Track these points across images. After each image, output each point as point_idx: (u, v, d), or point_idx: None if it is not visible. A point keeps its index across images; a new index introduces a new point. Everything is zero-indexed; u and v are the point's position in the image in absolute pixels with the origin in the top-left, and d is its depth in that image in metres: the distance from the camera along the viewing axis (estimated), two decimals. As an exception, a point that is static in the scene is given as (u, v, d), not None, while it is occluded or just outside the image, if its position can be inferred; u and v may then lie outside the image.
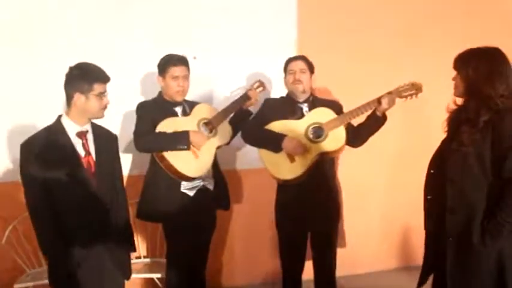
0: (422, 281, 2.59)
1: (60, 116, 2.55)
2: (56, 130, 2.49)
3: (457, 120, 2.39)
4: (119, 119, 3.63)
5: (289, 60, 3.22)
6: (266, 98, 3.41)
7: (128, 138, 3.65)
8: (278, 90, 3.81)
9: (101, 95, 2.48)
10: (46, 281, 3.36)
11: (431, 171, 2.50)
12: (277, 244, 3.47)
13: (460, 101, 2.45)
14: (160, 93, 3.18)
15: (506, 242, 2.21)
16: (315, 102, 3.19)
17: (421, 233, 4.16)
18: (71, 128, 2.50)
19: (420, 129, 4.26)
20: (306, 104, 3.17)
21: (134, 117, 3.54)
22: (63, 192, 2.43)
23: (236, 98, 3.42)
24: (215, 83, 3.82)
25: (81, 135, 2.51)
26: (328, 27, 4.11)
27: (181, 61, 3.07)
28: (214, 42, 3.86)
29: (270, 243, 4.06)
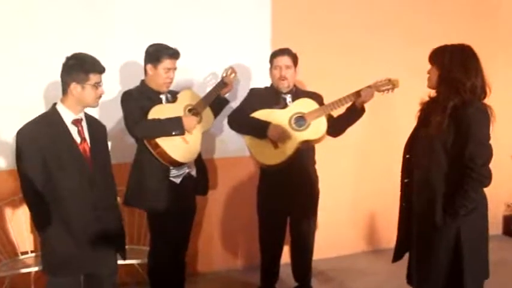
0: (396, 258, 2.79)
1: (55, 104, 2.59)
2: (52, 117, 2.54)
3: (427, 110, 2.60)
4: (95, 109, 3.61)
5: (275, 54, 3.33)
6: (251, 87, 3.54)
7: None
8: (255, 78, 3.97)
9: (97, 85, 2.54)
10: (21, 271, 3.40)
11: (407, 156, 2.70)
12: (253, 230, 3.60)
13: (432, 95, 2.64)
14: (143, 81, 3.19)
15: (463, 222, 2.46)
16: (298, 93, 3.36)
17: (385, 218, 4.42)
18: (67, 116, 2.55)
19: (386, 124, 4.47)
20: (289, 95, 3.32)
21: (112, 106, 3.57)
22: (62, 177, 2.48)
23: (211, 84, 3.54)
24: (191, 71, 3.84)
25: (77, 122, 2.57)
26: (302, 17, 4.22)
27: (176, 55, 3.12)
28: (190, 33, 3.89)
29: (246, 230, 4.18)
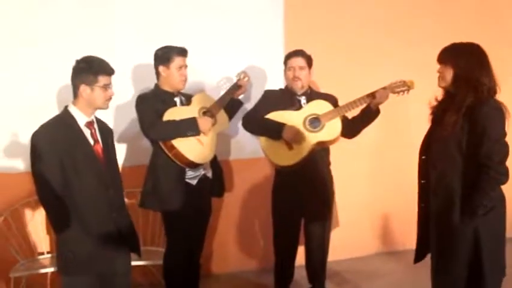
0: (417, 259, 2.77)
1: (67, 106, 2.61)
2: (66, 120, 2.56)
3: (440, 111, 2.59)
4: (110, 112, 3.62)
5: (289, 56, 3.34)
6: (266, 89, 3.55)
7: (120, 130, 3.69)
8: (268, 80, 3.98)
9: (106, 86, 2.56)
10: (40, 271, 3.44)
11: (423, 157, 2.69)
12: (268, 232, 3.60)
13: (440, 96, 2.65)
14: (156, 85, 3.22)
15: (481, 222, 2.45)
16: (312, 95, 3.36)
17: (400, 219, 4.39)
18: (80, 118, 2.57)
19: (400, 124, 4.43)
20: (304, 97, 3.33)
21: (126, 109, 3.60)
22: (78, 179, 2.50)
23: (225, 88, 3.59)
24: (202, 74, 3.85)
25: (90, 125, 2.60)
26: (314, 19, 4.20)
27: (185, 52, 3.17)
28: (200, 36, 3.90)
29: (261, 231, 4.19)
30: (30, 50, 3.55)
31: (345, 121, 3.29)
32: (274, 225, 3.47)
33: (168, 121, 3.03)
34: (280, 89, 3.45)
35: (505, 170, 2.43)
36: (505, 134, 2.44)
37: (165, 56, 3.13)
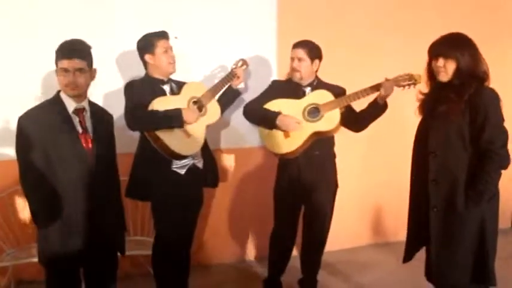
0: (408, 256, 2.74)
1: (59, 91, 2.51)
2: (55, 105, 2.47)
3: (432, 102, 2.58)
4: (98, 100, 3.56)
5: (293, 46, 3.29)
6: (273, 79, 3.55)
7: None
8: (259, 70, 3.90)
9: (62, 70, 2.42)
10: (25, 261, 3.38)
11: (418, 150, 2.67)
12: (260, 222, 3.55)
13: (425, 89, 2.66)
14: (146, 74, 3.13)
15: (486, 208, 2.47)
16: (318, 85, 3.30)
17: (392, 211, 4.37)
18: (69, 104, 2.48)
19: (393, 116, 4.36)
20: (309, 88, 3.29)
21: (114, 97, 3.51)
22: (60, 167, 2.41)
23: (220, 76, 3.46)
24: (196, 62, 3.79)
25: (78, 112, 2.49)
26: (308, 9, 4.13)
27: (166, 34, 3.10)
28: (195, 23, 3.83)
29: (253, 221, 4.14)
30: (24, 38, 3.47)
31: (351, 114, 3.26)
32: (275, 215, 3.41)
33: (152, 112, 2.92)
34: (287, 80, 3.40)
35: (508, 154, 2.47)
36: (503, 120, 2.48)
37: (148, 44, 3.04)
